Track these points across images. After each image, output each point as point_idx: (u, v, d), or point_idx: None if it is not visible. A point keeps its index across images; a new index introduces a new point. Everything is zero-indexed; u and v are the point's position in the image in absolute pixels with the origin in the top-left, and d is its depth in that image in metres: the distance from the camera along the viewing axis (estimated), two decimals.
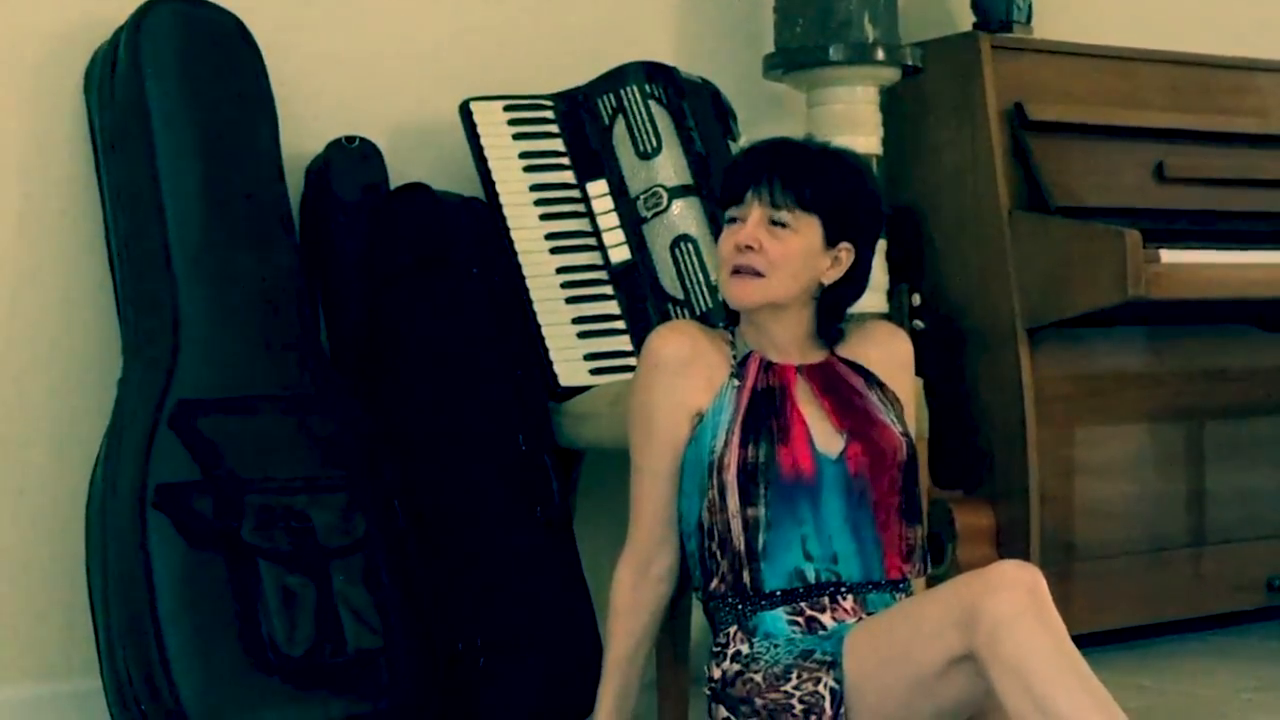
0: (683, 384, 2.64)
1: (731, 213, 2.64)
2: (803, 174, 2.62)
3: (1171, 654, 3.79)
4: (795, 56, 3.58)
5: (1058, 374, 3.80)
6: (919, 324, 3.82)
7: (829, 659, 2.45)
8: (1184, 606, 3.98)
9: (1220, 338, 4.05)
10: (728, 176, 2.68)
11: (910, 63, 3.60)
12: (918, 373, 2.85)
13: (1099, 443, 3.87)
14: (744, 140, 3.53)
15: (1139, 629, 3.89)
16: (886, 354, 2.75)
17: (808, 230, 2.61)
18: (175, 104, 3.07)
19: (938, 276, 3.85)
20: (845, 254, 2.66)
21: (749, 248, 2.59)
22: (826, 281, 2.65)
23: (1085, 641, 3.69)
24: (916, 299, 3.83)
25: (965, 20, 4.01)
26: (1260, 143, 4.10)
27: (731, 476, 2.57)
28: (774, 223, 2.60)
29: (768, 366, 2.65)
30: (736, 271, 2.60)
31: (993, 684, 2.28)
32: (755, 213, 2.60)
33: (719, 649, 2.61)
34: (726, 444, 2.59)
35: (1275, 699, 3.35)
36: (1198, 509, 4.04)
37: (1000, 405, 3.77)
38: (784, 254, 2.60)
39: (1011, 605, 2.27)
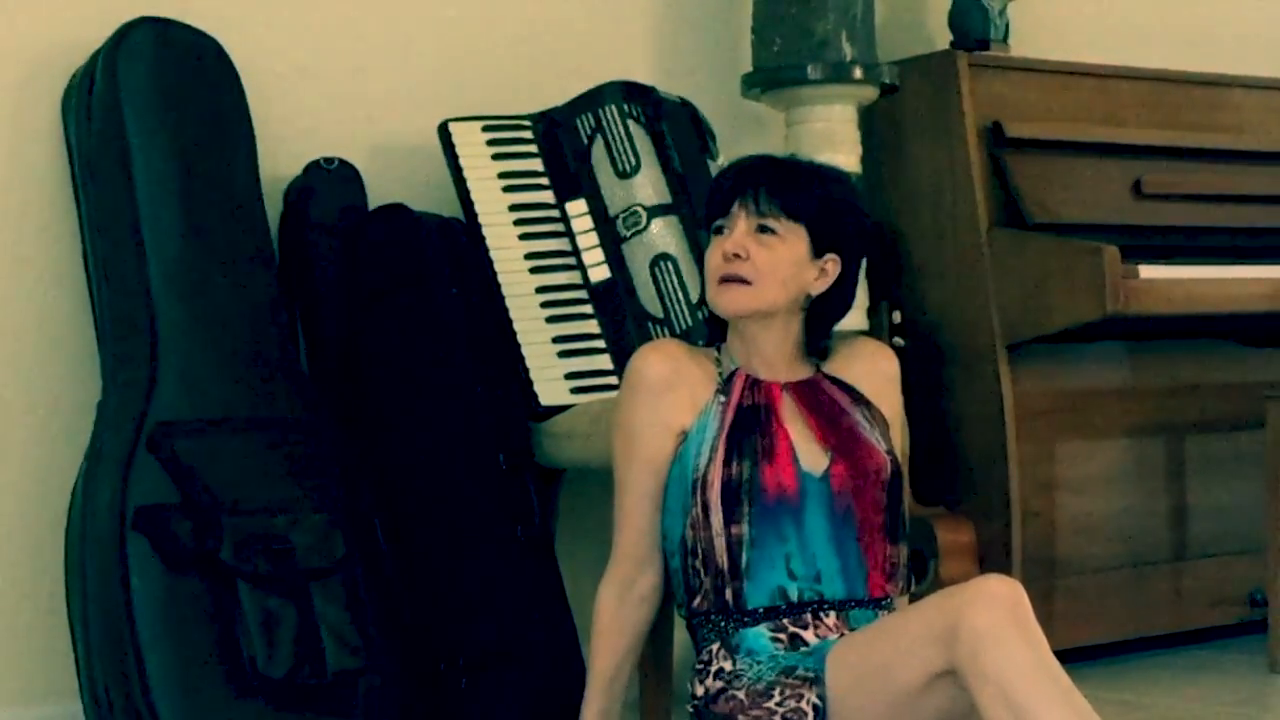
0: (666, 403, 2.64)
1: (718, 223, 2.64)
2: (788, 183, 2.63)
3: (1154, 669, 3.79)
4: (773, 76, 3.59)
5: (1038, 390, 3.80)
6: (899, 341, 3.82)
7: (811, 675, 2.45)
8: (1166, 621, 3.98)
9: (1199, 352, 4.06)
10: (713, 190, 2.68)
11: (888, 81, 3.61)
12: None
13: (1079, 458, 3.88)
14: (723, 159, 3.54)
15: (1121, 644, 3.90)
16: (873, 371, 2.76)
17: (795, 239, 2.61)
18: (153, 128, 3.07)
19: (917, 294, 3.86)
20: (832, 265, 2.66)
21: (736, 255, 2.59)
22: (814, 293, 2.66)
23: (1068, 657, 3.69)
24: (897, 316, 3.83)
25: (943, 39, 4.03)
26: (1237, 158, 4.11)
27: (715, 494, 2.57)
28: (761, 229, 2.60)
29: (754, 384, 2.65)
30: (724, 280, 2.60)
31: (975, 698, 2.28)
32: (742, 222, 2.60)
33: (702, 666, 2.61)
34: (710, 461, 2.58)
35: (1256, 713, 3.36)
36: (1179, 524, 4.05)
37: (980, 422, 3.77)
38: (772, 261, 2.60)
39: (993, 619, 2.27)
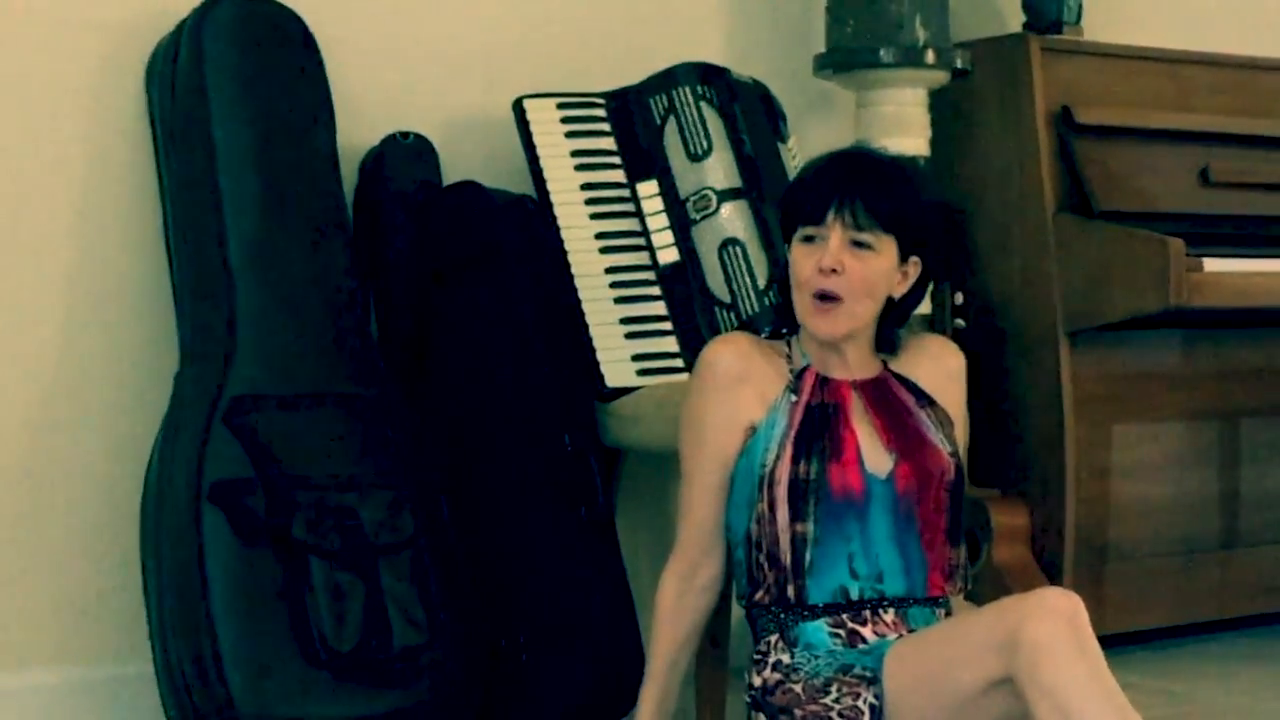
0: (735, 398, 2.67)
1: (808, 231, 2.63)
2: (883, 193, 2.62)
3: (1201, 657, 3.83)
4: (846, 57, 3.60)
5: (1095, 374, 3.83)
6: (960, 323, 3.85)
7: (869, 675, 2.50)
8: (1215, 608, 4.02)
9: (1256, 339, 4.07)
10: (801, 193, 2.67)
11: (960, 65, 3.62)
12: None
13: (1134, 443, 3.90)
14: (794, 141, 3.57)
15: (1170, 630, 3.93)
16: (939, 369, 2.79)
17: (887, 250, 2.63)
18: (235, 100, 3.11)
19: (981, 276, 3.88)
20: (914, 268, 2.69)
21: (834, 270, 2.61)
22: (896, 296, 2.69)
23: (1116, 642, 3.79)
24: (959, 298, 3.86)
25: (1015, 19, 4.03)
26: None
27: (782, 491, 2.61)
28: (856, 244, 2.61)
29: (824, 382, 2.68)
30: (820, 297, 2.61)
31: (1030, 708, 2.32)
32: (837, 234, 2.60)
33: (760, 657, 2.66)
34: (779, 458, 2.62)
35: None
36: (1231, 510, 4.07)
37: (1038, 406, 3.80)
38: (867, 276, 2.61)
39: (1051, 632, 2.32)
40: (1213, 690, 3.53)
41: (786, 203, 2.71)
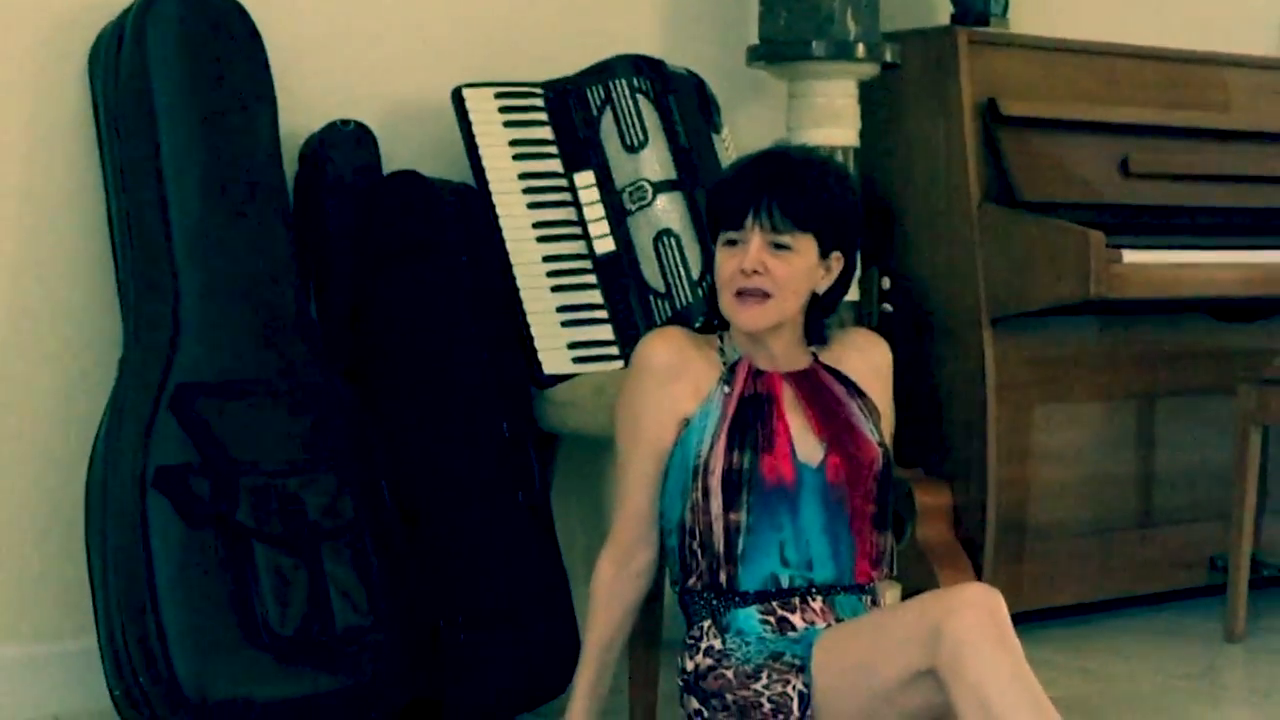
0: (670, 391, 2.75)
1: (730, 235, 2.71)
2: (799, 195, 2.70)
3: (1117, 633, 3.95)
4: (778, 49, 3.66)
5: (1018, 358, 3.93)
6: (887, 307, 3.95)
7: (798, 663, 2.59)
8: (1131, 585, 4.15)
9: (1173, 325, 4.19)
10: (721, 198, 2.74)
11: (890, 59, 3.69)
12: None
13: (1055, 426, 4.01)
14: (727, 130, 3.65)
15: (1087, 606, 4.06)
16: (867, 362, 2.88)
17: (806, 249, 2.71)
18: (179, 88, 3.15)
19: (908, 263, 3.97)
20: (836, 263, 2.77)
21: (755, 272, 2.69)
22: (820, 291, 2.77)
23: (1034, 618, 3.91)
24: (886, 283, 3.95)
25: (944, 10, 4.11)
26: (1225, 138, 4.22)
27: (716, 481, 2.70)
28: (776, 245, 2.69)
29: (756, 374, 2.77)
30: (741, 294, 2.70)
31: (952, 700, 2.42)
32: (756, 237, 2.68)
33: (692, 642, 2.75)
34: (712, 449, 2.71)
35: (1212, 687, 3.52)
36: (1147, 490, 4.20)
37: (962, 390, 3.90)
38: (788, 275, 2.70)
39: (973, 627, 2.42)
40: (1125, 667, 3.65)
41: (709, 206, 2.79)
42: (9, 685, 3.16)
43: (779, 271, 2.69)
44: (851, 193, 2.80)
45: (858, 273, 3.66)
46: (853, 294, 3.67)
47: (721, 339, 2.82)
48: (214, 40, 3.20)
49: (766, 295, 2.69)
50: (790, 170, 2.74)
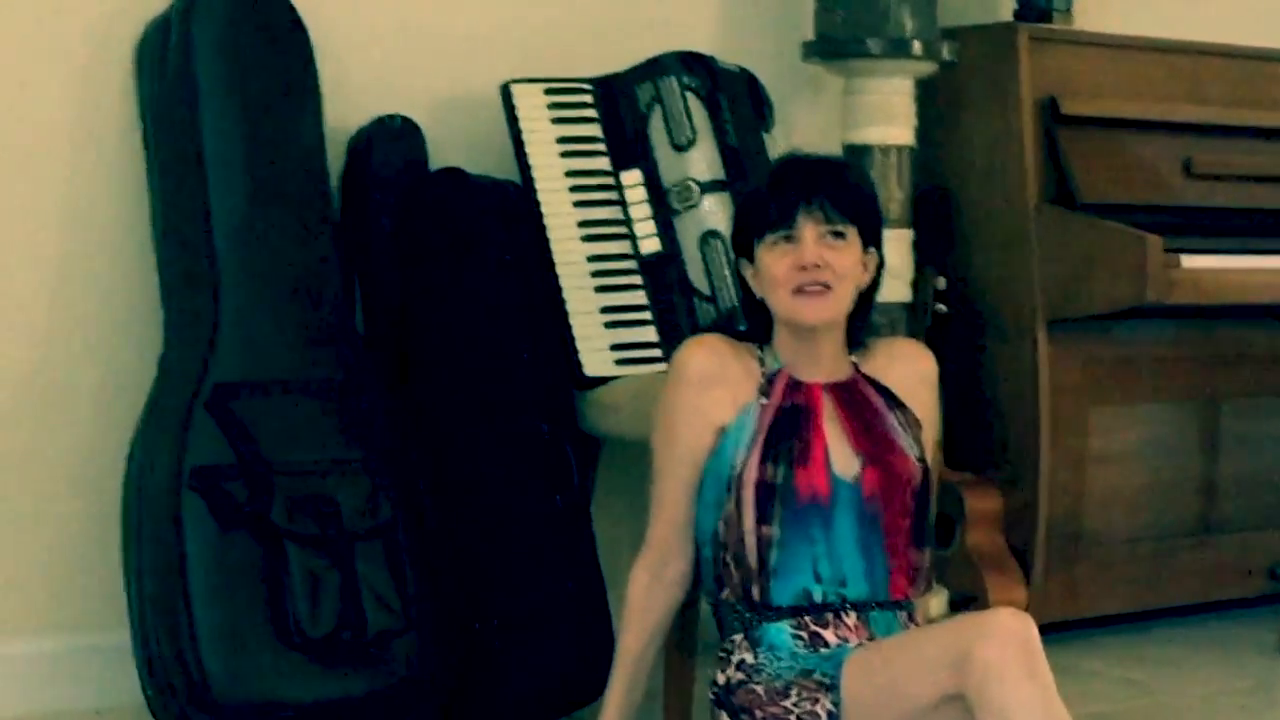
0: (708, 399, 2.72)
1: (781, 234, 2.67)
2: (843, 187, 2.70)
3: (1170, 643, 3.88)
4: (833, 46, 3.62)
5: (1073, 360, 3.86)
6: (942, 308, 3.89)
7: (828, 681, 2.55)
8: (1187, 593, 4.08)
9: (1237, 325, 4.11)
10: (766, 200, 2.70)
11: (946, 57, 3.64)
12: (936, 355, 2.92)
13: (1112, 430, 3.95)
14: (779, 129, 3.60)
15: (1142, 614, 3.99)
16: (910, 372, 2.83)
17: (854, 240, 2.69)
18: (224, 84, 3.14)
19: (964, 263, 3.91)
20: (871, 259, 2.74)
21: (816, 265, 2.65)
22: (863, 288, 2.74)
23: (1086, 626, 3.86)
24: (942, 282, 3.89)
25: (1006, 6, 4.04)
26: None
27: (750, 494, 2.66)
28: (833, 235, 2.67)
29: (795, 385, 2.73)
30: (805, 290, 2.66)
31: None
32: (810, 230, 2.65)
33: (724, 654, 2.72)
34: (747, 461, 2.67)
35: (1263, 703, 3.45)
36: (1208, 496, 4.12)
37: (1016, 393, 3.85)
38: (846, 265, 2.67)
39: (1003, 654, 2.37)
40: (1174, 682, 3.58)
41: (747, 217, 2.74)
42: (49, 677, 3.17)
43: (837, 262, 2.66)
44: (876, 192, 2.83)
45: (910, 270, 3.68)
46: (906, 294, 3.67)
47: (762, 348, 2.78)
48: (260, 35, 3.19)
49: (827, 288, 2.65)
50: (830, 166, 2.75)
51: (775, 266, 2.68)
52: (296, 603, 2.91)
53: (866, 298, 2.77)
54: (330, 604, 2.94)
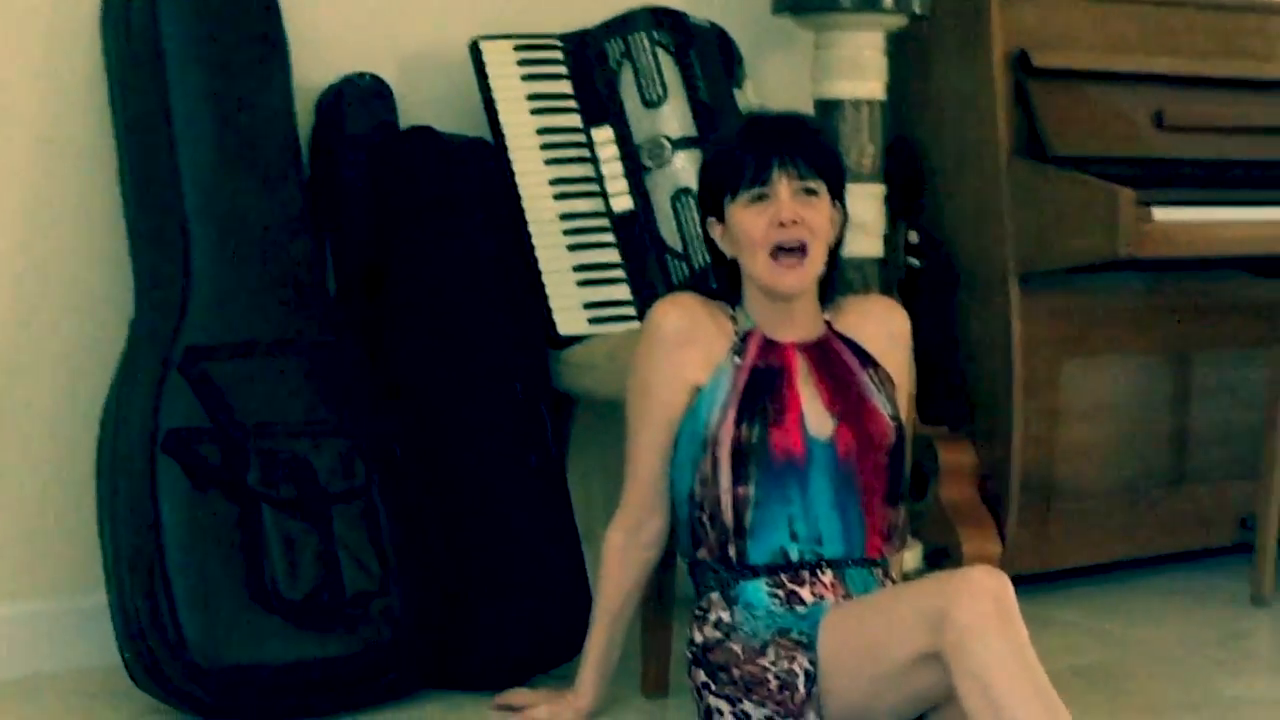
0: (682, 358, 2.72)
1: (755, 192, 2.67)
2: (815, 143, 2.73)
3: (1144, 593, 3.90)
4: (804, 0, 3.60)
5: (1045, 314, 3.85)
6: (914, 261, 3.89)
7: (805, 640, 2.57)
8: (1160, 544, 4.09)
9: (1209, 279, 4.11)
10: (737, 158, 2.69)
11: (918, 10, 3.62)
12: (909, 309, 2.93)
13: (1084, 383, 3.95)
14: (750, 83, 3.58)
15: (1115, 564, 4.01)
16: (883, 330, 2.84)
17: (825, 195, 2.71)
18: (189, 42, 3.11)
19: (935, 218, 3.90)
20: (837, 213, 2.75)
21: (794, 222, 2.65)
22: (831, 244, 2.74)
23: (1060, 578, 3.87)
24: (914, 236, 3.90)
25: None
26: (1268, 89, 4.12)
27: (725, 454, 2.67)
28: (807, 192, 2.67)
29: (769, 345, 2.73)
30: (778, 254, 2.65)
31: (955, 684, 2.39)
32: (784, 187, 2.66)
33: (701, 613, 2.73)
34: (722, 422, 2.68)
35: (1237, 654, 3.47)
36: (1179, 447, 4.14)
37: (988, 347, 3.84)
38: (820, 222, 2.69)
39: (978, 613, 2.38)
40: (1147, 631, 3.60)
41: (718, 174, 2.72)
42: (28, 641, 3.17)
43: (813, 219, 2.67)
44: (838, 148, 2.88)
45: (881, 224, 3.68)
46: (878, 249, 3.67)
47: (734, 308, 2.78)
48: None
49: (803, 250, 2.65)
50: (800, 124, 2.77)
51: (751, 226, 2.68)
52: (274, 565, 2.91)
53: (833, 254, 2.77)
54: (308, 566, 2.93)
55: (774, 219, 2.66)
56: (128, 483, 2.92)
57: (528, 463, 3.13)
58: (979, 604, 2.38)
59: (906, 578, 2.88)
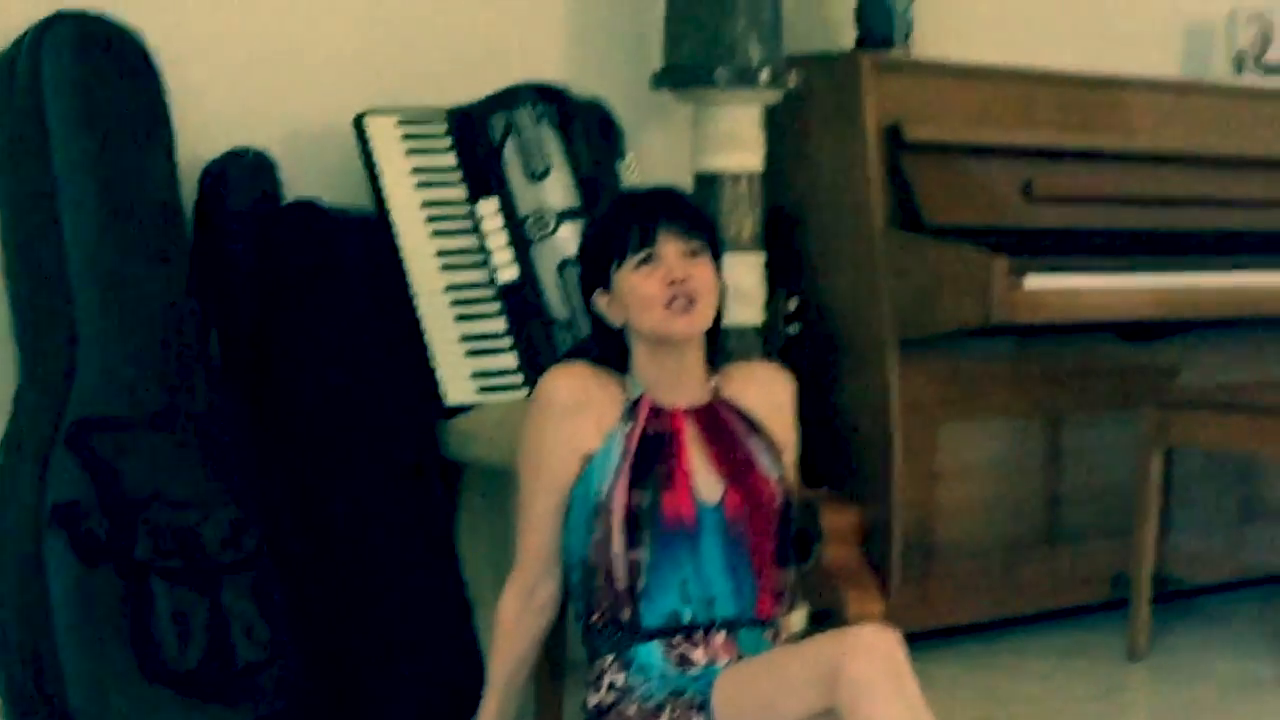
0: (573, 427, 2.75)
1: (643, 253, 2.72)
2: (691, 208, 2.80)
3: (1023, 650, 3.98)
4: (682, 76, 3.66)
5: (923, 378, 3.95)
6: (794, 328, 3.96)
7: (699, 700, 2.60)
8: (1037, 601, 4.19)
9: (1079, 344, 4.23)
10: (623, 223, 2.75)
11: (793, 87, 3.70)
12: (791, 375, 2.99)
13: (961, 445, 4.05)
14: (631, 155, 3.65)
15: (995, 623, 4.09)
16: (768, 396, 2.89)
17: (708, 256, 2.76)
18: (74, 120, 3.11)
19: (815, 285, 3.99)
20: (718, 278, 2.81)
21: (683, 280, 2.70)
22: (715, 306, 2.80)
23: (942, 636, 3.94)
24: (793, 304, 3.97)
25: (848, 33, 4.13)
26: (1130, 160, 4.26)
27: (617, 519, 2.70)
28: (692, 253, 2.73)
29: (657, 412, 2.77)
30: (675, 302, 2.71)
31: None
32: (671, 247, 2.72)
33: (595, 677, 2.75)
34: (614, 487, 2.71)
35: (1117, 708, 3.55)
36: (1052, 507, 4.24)
37: (868, 411, 3.93)
38: (708, 277, 2.74)
39: (870, 670, 2.43)
40: (1030, 687, 3.68)
41: (602, 244, 2.77)
42: None
43: (701, 276, 2.73)
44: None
45: (762, 292, 3.75)
46: (759, 317, 3.74)
47: (622, 376, 2.82)
48: (108, 69, 3.16)
49: (692, 302, 2.70)
50: (672, 192, 2.84)
51: (644, 285, 2.73)
52: (163, 637, 2.90)
53: (716, 319, 2.83)
54: (198, 637, 2.93)
55: (665, 278, 2.72)
56: (14, 556, 2.91)
57: (418, 530, 3.15)
58: (872, 660, 2.43)
59: (793, 639, 2.92)
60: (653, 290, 2.72)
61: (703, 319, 2.75)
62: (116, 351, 3.07)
